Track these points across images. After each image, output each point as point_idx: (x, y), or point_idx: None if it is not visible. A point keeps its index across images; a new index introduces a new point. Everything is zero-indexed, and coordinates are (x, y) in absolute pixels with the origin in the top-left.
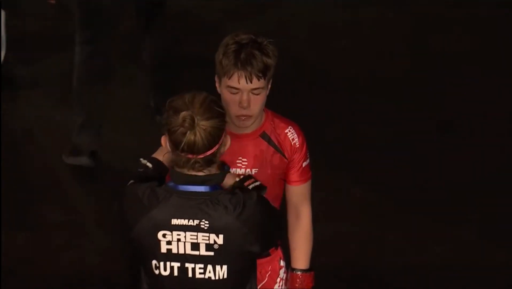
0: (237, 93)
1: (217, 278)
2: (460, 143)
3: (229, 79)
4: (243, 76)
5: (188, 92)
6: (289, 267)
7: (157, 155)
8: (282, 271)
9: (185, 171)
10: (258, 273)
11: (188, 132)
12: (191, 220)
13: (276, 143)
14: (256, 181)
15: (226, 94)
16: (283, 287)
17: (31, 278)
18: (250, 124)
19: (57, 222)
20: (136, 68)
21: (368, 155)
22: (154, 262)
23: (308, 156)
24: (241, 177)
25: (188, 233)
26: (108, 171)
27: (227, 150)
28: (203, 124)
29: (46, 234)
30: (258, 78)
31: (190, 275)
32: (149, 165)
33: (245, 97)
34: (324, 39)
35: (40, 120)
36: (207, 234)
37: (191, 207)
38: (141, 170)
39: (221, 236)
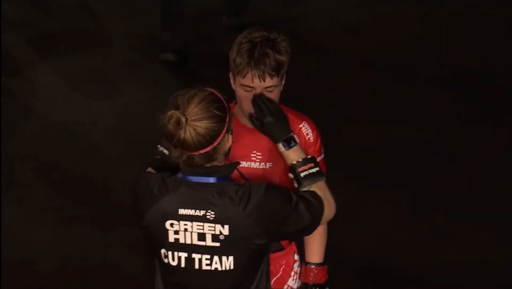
0: (250, 91)
1: (223, 268)
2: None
3: (243, 78)
4: (257, 76)
5: (195, 89)
6: (303, 261)
7: None
8: (296, 265)
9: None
10: (272, 266)
11: (179, 130)
12: (197, 210)
13: None
14: (314, 167)
15: (240, 92)
16: (297, 281)
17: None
18: None
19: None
20: None
21: (384, 153)
22: (163, 251)
23: (322, 151)
24: (305, 158)
25: (194, 223)
26: None
27: (242, 143)
28: (195, 125)
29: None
30: (271, 77)
31: (197, 266)
32: (166, 152)
33: None
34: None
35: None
36: (213, 225)
37: (198, 197)
38: (158, 156)
39: (226, 227)
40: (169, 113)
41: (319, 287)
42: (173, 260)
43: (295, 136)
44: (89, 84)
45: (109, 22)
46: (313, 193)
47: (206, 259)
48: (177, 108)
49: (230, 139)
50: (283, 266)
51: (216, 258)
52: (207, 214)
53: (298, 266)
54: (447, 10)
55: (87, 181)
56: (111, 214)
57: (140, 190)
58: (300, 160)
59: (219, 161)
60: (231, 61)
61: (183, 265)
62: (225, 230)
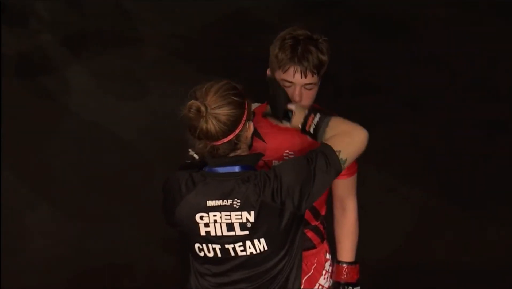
0: (290, 86)
1: (258, 251)
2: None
3: (284, 72)
4: (299, 71)
5: (211, 81)
6: (334, 260)
7: None
8: (327, 264)
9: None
10: (304, 265)
11: (201, 120)
12: (224, 200)
13: None
14: (315, 117)
15: None
16: (328, 280)
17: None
18: None
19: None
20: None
21: (413, 153)
22: (197, 245)
23: None
24: (305, 116)
25: (223, 213)
26: None
27: (274, 143)
28: (216, 113)
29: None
30: (312, 74)
31: (232, 254)
32: (196, 156)
33: (297, 91)
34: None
35: (102, 110)
36: (240, 213)
37: (225, 187)
38: (188, 161)
39: (252, 213)
40: (189, 103)
41: (351, 286)
42: (209, 252)
43: (288, 106)
44: (121, 84)
45: (141, 23)
46: (325, 146)
47: (239, 246)
48: (192, 100)
49: (252, 127)
50: (315, 264)
51: (248, 243)
52: (234, 202)
53: (330, 265)
54: None
55: (120, 179)
56: (143, 211)
57: (169, 188)
58: (302, 120)
59: (243, 150)
60: (273, 56)
61: (219, 255)
62: (251, 217)
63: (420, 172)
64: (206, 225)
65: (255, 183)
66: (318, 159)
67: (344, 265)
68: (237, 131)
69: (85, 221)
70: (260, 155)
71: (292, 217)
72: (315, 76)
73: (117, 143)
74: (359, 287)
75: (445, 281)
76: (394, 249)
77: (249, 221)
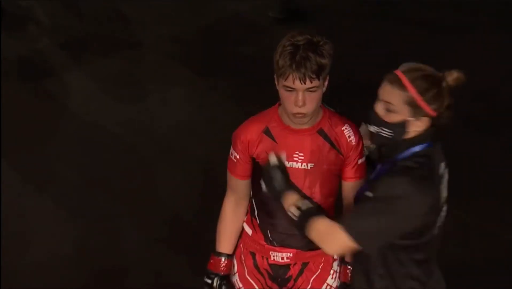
0: (292, 92)
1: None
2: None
3: (285, 80)
4: (298, 78)
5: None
6: (342, 261)
7: None
8: (335, 264)
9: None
10: (311, 264)
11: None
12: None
13: (333, 140)
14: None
15: (282, 93)
16: (336, 280)
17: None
18: (306, 121)
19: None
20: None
21: None
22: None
23: (364, 154)
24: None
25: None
26: None
27: (284, 144)
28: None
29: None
30: (311, 80)
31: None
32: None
33: (300, 96)
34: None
35: (102, 112)
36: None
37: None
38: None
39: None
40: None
41: None
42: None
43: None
44: (120, 86)
45: (139, 27)
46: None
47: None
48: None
49: None
50: (322, 263)
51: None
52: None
53: (338, 265)
54: None
55: (121, 179)
56: (146, 211)
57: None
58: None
59: None
60: (275, 63)
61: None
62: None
63: None
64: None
65: None
66: None
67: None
68: None
69: (87, 221)
70: None
71: None
72: (316, 81)
73: (117, 145)
74: None
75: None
76: None
77: None
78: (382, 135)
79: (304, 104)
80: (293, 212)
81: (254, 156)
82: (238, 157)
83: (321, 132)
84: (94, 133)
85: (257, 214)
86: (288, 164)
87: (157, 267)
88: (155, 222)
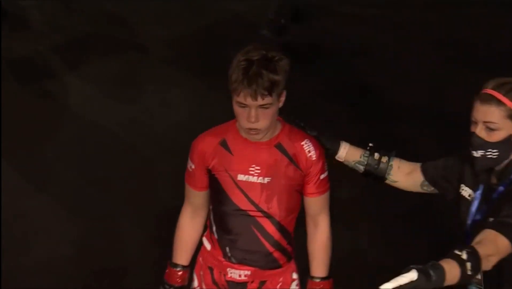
0: (245, 108)
1: None
2: None
3: (237, 96)
4: (249, 94)
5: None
6: (308, 275)
7: None
8: (294, 284)
9: None
10: (269, 283)
11: None
12: None
13: (291, 154)
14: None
15: (236, 108)
16: None
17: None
18: (260, 137)
19: None
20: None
21: None
22: None
23: (326, 168)
24: None
25: None
26: None
27: (241, 156)
28: None
29: None
30: (263, 97)
31: None
32: None
33: (253, 113)
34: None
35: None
36: None
37: None
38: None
39: None
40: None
41: None
42: None
43: None
44: (120, 87)
45: (139, 28)
46: None
47: None
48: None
49: None
50: (280, 283)
51: None
52: None
53: (297, 285)
54: None
55: (122, 178)
56: (146, 211)
57: None
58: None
59: None
60: (229, 78)
61: None
62: None
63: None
64: None
65: None
66: None
67: (318, 280)
68: None
69: (88, 219)
70: None
71: None
72: (269, 97)
73: (117, 145)
74: None
75: None
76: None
77: None
78: (488, 157)
79: (257, 120)
80: (467, 268)
81: (210, 168)
82: (193, 167)
83: (278, 146)
84: (94, 133)
85: (215, 229)
86: (244, 177)
87: (157, 267)
88: (155, 222)
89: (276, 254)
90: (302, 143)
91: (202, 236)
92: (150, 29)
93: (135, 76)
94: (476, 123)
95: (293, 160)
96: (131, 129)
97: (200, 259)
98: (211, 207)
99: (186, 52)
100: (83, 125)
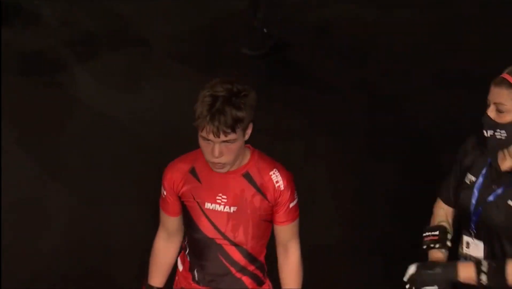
0: (209, 142)
1: None
2: None
3: (201, 131)
4: (211, 131)
5: None
6: None
7: None
8: None
9: None
10: None
11: None
12: None
13: (259, 184)
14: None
15: (200, 142)
16: None
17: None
18: (225, 170)
19: None
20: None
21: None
22: None
23: (295, 196)
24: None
25: None
26: None
27: (209, 185)
28: None
29: None
30: (226, 134)
31: None
32: None
33: (216, 148)
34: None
35: (111, 105)
36: None
37: None
38: None
39: None
40: None
41: None
42: None
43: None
44: (126, 79)
45: (144, 25)
46: None
47: None
48: None
49: None
50: None
51: None
52: None
53: None
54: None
55: (130, 166)
56: (153, 199)
57: None
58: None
59: None
60: (194, 111)
61: None
62: None
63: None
64: None
65: None
66: None
67: None
68: None
69: (98, 205)
70: None
71: None
72: (232, 134)
73: (125, 133)
74: None
75: None
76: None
77: None
78: (497, 138)
79: (221, 155)
80: (481, 279)
81: (180, 195)
82: (165, 194)
83: (246, 175)
84: (102, 123)
85: (188, 252)
86: (210, 206)
87: None
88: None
89: (245, 279)
90: (270, 173)
91: (177, 257)
92: (155, 26)
93: (140, 70)
94: (489, 105)
95: (260, 190)
96: (137, 120)
97: (176, 278)
98: (185, 230)
99: (190, 48)
100: (92, 116)
